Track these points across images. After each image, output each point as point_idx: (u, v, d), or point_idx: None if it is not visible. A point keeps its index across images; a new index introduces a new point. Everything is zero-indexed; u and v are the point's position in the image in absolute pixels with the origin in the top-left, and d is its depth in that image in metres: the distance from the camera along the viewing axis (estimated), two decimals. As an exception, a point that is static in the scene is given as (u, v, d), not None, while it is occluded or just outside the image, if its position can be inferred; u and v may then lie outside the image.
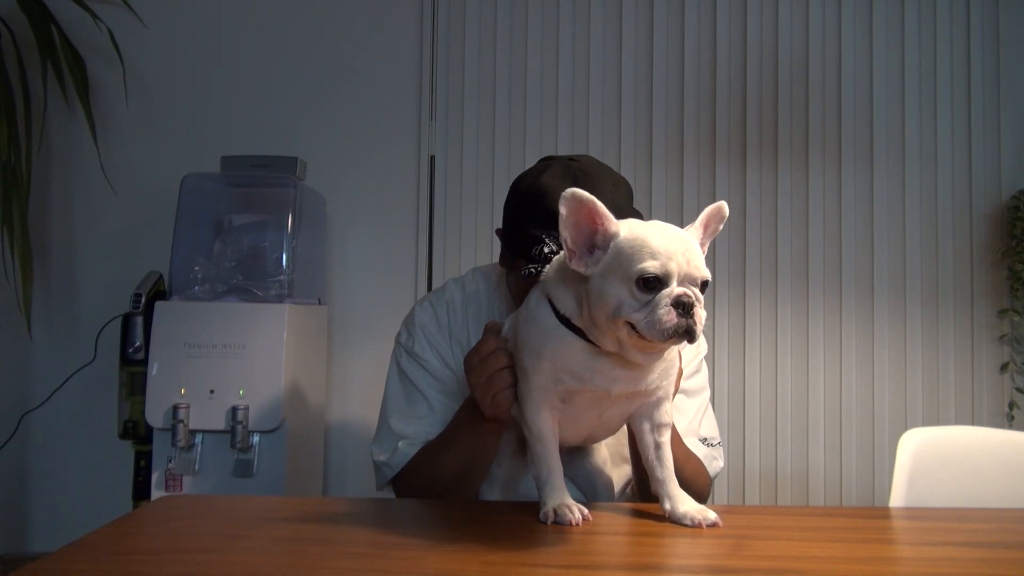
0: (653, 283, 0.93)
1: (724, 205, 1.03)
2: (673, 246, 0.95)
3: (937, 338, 2.53)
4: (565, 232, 0.98)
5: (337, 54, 2.65)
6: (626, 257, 0.95)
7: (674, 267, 0.93)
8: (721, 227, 1.04)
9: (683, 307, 0.92)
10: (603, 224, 0.98)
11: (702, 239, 1.03)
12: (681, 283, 0.94)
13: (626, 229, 0.98)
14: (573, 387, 1.04)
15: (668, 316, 0.92)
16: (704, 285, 0.96)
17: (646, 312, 0.93)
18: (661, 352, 1.01)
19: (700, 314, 0.93)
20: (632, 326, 0.94)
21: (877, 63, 2.58)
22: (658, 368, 1.03)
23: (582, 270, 0.99)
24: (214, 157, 2.39)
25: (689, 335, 0.93)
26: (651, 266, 0.93)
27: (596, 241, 0.98)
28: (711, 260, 2.61)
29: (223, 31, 2.66)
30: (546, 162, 1.31)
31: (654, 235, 0.96)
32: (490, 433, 1.23)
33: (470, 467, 1.28)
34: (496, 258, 1.38)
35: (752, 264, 2.56)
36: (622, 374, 1.01)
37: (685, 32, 2.61)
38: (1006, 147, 2.55)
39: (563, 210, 0.96)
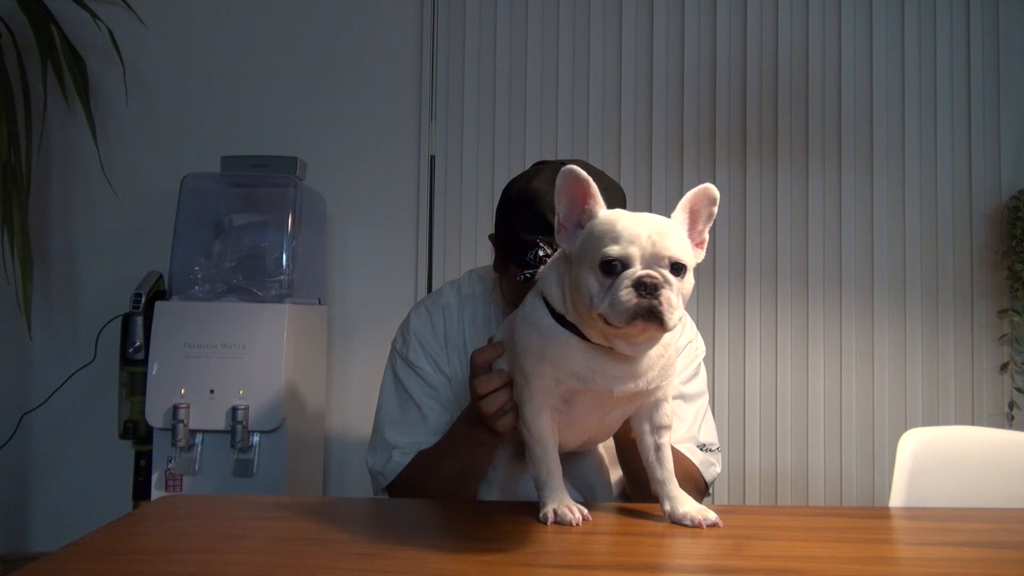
0: (615, 267, 0.92)
1: (711, 187, 1.00)
2: (639, 229, 0.93)
3: (937, 338, 2.53)
4: (559, 205, 1.00)
5: (337, 54, 2.65)
6: (593, 241, 0.96)
7: (635, 250, 0.92)
8: (715, 210, 1.01)
9: (644, 287, 0.90)
10: (591, 205, 1.00)
11: (694, 224, 1.01)
12: (648, 265, 0.92)
13: (603, 214, 0.99)
14: (575, 387, 1.03)
15: (627, 296, 0.90)
16: (677, 268, 0.93)
17: (609, 296, 0.92)
18: (648, 341, 0.98)
19: (668, 296, 0.91)
20: (604, 318, 0.93)
21: (877, 63, 2.58)
22: (658, 365, 1.02)
23: (564, 245, 1.01)
24: (214, 157, 2.39)
25: (653, 316, 0.90)
26: (611, 250, 0.92)
27: (583, 220, 1.00)
28: (710, 259, 2.61)
29: (223, 31, 2.66)
30: (538, 166, 1.31)
31: (622, 219, 0.96)
32: (486, 448, 1.23)
33: (465, 478, 1.28)
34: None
35: (752, 264, 2.56)
36: (622, 372, 1.01)
37: (685, 32, 2.61)
38: (1006, 147, 2.55)
39: (560, 183, 0.99)
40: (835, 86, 2.58)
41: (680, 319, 0.93)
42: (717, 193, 1.00)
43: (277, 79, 2.65)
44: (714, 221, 1.02)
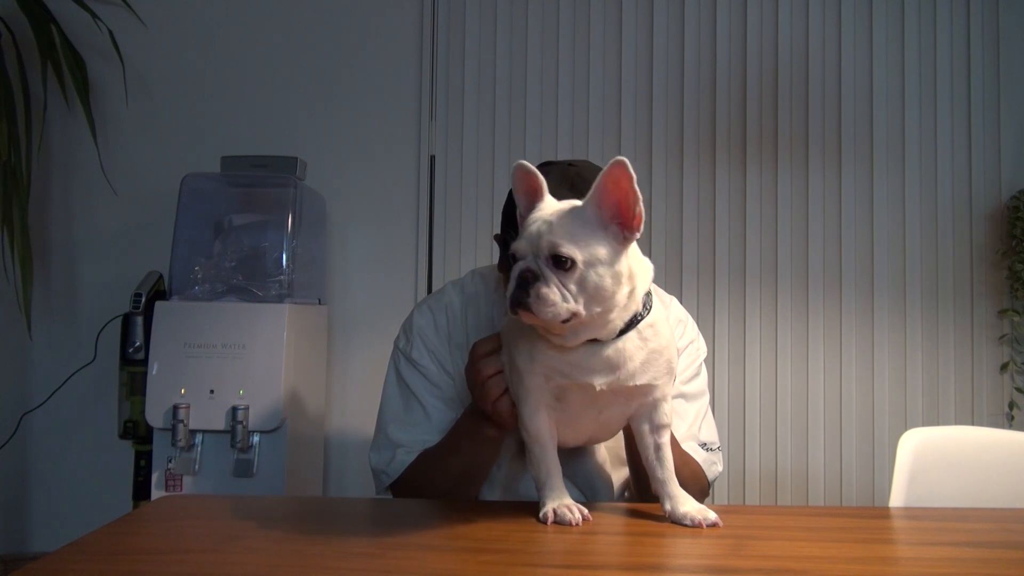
0: (513, 259, 0.99)
1: (620, 165, 0.94)
2: (533, 225, 0.98)
3: (937, 338, 2.53)
4: (518, 200, 1.05)
5: (337, 54, 2.65)
6: None
7: (523, 244, 0.98)
8: (635, 186, 0.95)
9: (520, 279, 0.96)
10: (539, 200, 1.03)
11: (625, 205, 0.97)
12: (532, 258, 0.97)
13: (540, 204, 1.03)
14: (562, 383, 1.04)
15: (509, 288, 0.97)
16: (558, 260, 0.94)
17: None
18: (564, 335, 0.99)
19: (537, 289, 0.94)
20: None
21: (877, 63, 2.58)
22: (636, 358, 1.02)
23: None
24: (214, 157, 2.39)
25: (521, 306, 0.95)
26: (512, 244, 1.00)
27: None
28: (710, 259, 2.61)
29: (223, 31, 2.66)
30: (545, 167, 1.31)
31: (534, 213, 1.00)
32: (490, 442, 1.23)
33: (470, 474, 1.28)
34: (497, 258, 1.38)
35: (752, 264, 2.56)
36: (599, 365, 1.01)
37: (685, 32, 2.61)
38: (1006, 147, 2.55)
39: (513, 178, 1.04)
40: (835, 86, 2.58)
41: (571, 310, 0.95)
42: (628, 171, 0.94)
43: (277, 79, 2.65)
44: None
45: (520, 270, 0.97)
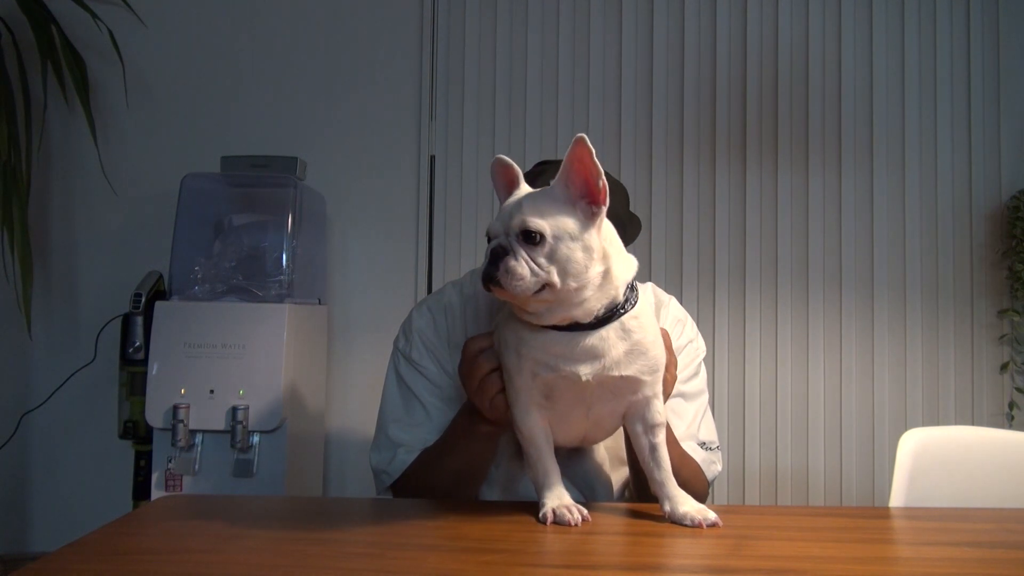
0: (488, 240, 1.02)
1: (579, 142, 0.96)
2: (506, 207, 1.02)
3: (937, 338, 2.53)
4: (498, 192, 1.07)
5: (337, 54, 2.65)
6: None
7: (496, 224, 1.01)
8: (594, 160, 0.96)
9: (492, 255, 0.98)
10: (516, 190, 1.05)
11: (590, 182, 0.98)
12: (504, 236, 0.99)
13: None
14: (549, 377, 1.03)
15: (483, 264, 1.00)
16: (527, 235, 0.97)
17: None
18: (540, 311, 1.00)
19: (506, 263, 0.96)
20: None
21: (877, 63, 2.58)
22: (618, 347, 1.02)
23: None
24: (214, 157, 2.39)
25: (492, 281, 0.97)
26: (488, 226, 1.03)
27: None
28: (709, 259, 2.61)
29: (223, 31, 2.66)
30: (542, 166, 1.32)
31: (509, 199, 1.03)
32: (486, 439, 1.23)
33: (468, 472, 1.28)
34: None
35: (752, 264, 2.56)
36: (580, 353, 1.01)
37: (685, 32, 2.61)
38: (1006, 147, 2.55)
39: (492, 171, 1.06)
40: (835, 86, 2.58)
41: (540, 283, 0.97)
42: (587, 146, 0.96)
43: (277, 79, 2.65)
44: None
45: (492, 247, 0.99)
